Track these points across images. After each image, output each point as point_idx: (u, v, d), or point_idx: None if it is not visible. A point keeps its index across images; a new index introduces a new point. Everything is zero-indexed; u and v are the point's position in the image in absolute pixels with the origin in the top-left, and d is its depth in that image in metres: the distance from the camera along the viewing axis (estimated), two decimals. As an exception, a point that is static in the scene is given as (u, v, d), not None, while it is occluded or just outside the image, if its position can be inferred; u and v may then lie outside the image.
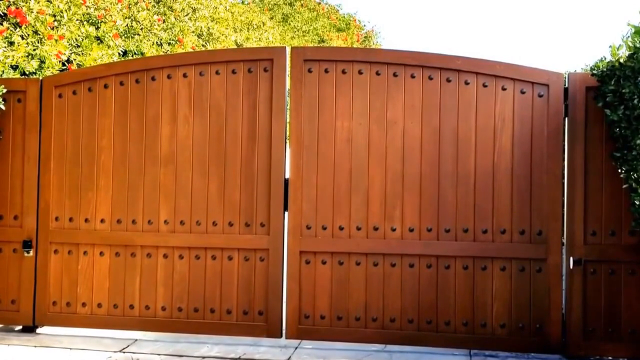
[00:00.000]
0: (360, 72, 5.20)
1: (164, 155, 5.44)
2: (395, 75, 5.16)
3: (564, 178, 4.99)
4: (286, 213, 5.25)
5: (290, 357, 5.01)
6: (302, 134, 5.23)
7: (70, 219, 5.54)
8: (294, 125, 5.26)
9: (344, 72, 5.22)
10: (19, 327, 5.64)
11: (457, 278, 5.07)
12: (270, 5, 22.39)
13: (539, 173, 4.95)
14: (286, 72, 5.32)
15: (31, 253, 5.49)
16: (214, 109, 5.39)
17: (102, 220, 5.50)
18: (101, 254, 5.49)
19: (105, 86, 5.54)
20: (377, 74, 5.18)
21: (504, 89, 5.05)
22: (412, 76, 5.14)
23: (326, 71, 5.24)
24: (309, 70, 5.26)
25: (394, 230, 5.13)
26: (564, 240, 4.99)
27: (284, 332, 5.28)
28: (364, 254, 5.16)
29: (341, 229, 5.19)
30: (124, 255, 5.47)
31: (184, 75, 5.44)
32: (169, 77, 5.46)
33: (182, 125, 5.42)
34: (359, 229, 5.17)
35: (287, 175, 5.26)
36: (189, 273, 5.38)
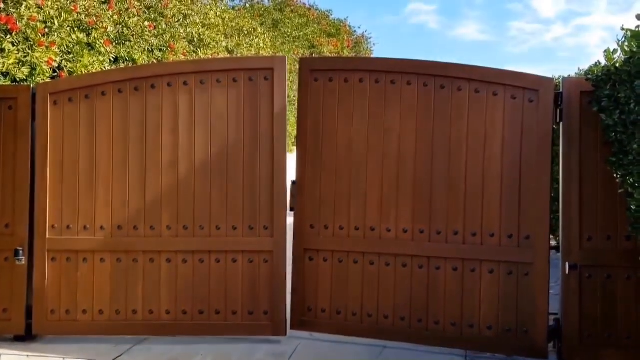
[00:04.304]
0: (360, 81, 5.30)
1: (165, 162, 5.46)
2: (392, 82, 5.23)
3: (553, 184, 5.00)
4: (292, 213, 5.41)
5: (286, 365, 5.01)
6: (307, 140, 5.38)
7: (68, 227, 5.50)
8: (300, 132, 5.41)
9: (346, 80, 5.32)
10: (23, 335, 5.51)
11: (446, 279, 5.13)
12: (260, 11, 22.37)
13: (527, 178, 4.95)
14: (286, 81, 5.43)
15: (23, 261, 5.42)
16: (216, 116, 5.46)
17: (102, 227, 5.49)
18: (102, 260, 5.48)
19: (103, 93, 5.52)
20: (376, 81, 5.26)
21: (495, 94, 5.05)
22: (409, 83, 5.20)
23: (330, 80, 5.36)
24: (315, 80, 5.39)
25: (389, 231, 5.23)
26: (560, 245, 5.00)
27: (288, 327, 5.43)
28: (361, 253, 5.29)
29: (341, 228, 5.32)
30: (126, 261, 5.47)
31: (185, 83, 5.47)
32: (169, 85, 5.48)
33: (183, 132, 5.47)
34: (357, 229, 5.29)
35: (294, 178, 5.42)
36: (193, 276, 5.44)
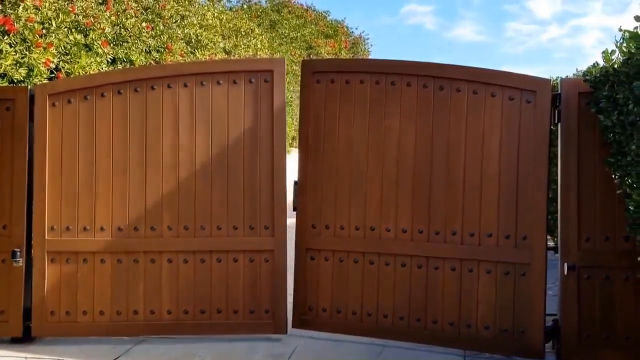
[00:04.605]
0: (361, 82, 5.33)
1: (166, 163, 5.49)
2: (393, 84, 5.26)
3: (551, 184, 4.99)
4: (294, 213, 5.48)
5: (285, 366, 5.02)
6: (309, 140, 5.43)
7: (68, 228, 5.49)
8: (302, 133, 5.47)
9: (347, 82, 5.37)
10: (20, 337, 5.47)
11: (445, 279, 5.15)
12: (257, 12, 22.35)
13: (524, 179, 4.96)
14: (285, 83, 5.49)
15: (20, 263, 5.40)
16: (216, 117, 5.50)
17: (102, 228, 5.49)
18: (102, 261, 5.48)
19: (103, 95, 5.52)
20: (377, 83, 5.30)
21: (493, 95, 5.06)
22: (408, 85, 5.23)
23: (332, 81, 5.40)
24: (318, 81, 5.44)
25: (388, 230, 5.27)
26: (558, 246, 5.00)
27: (289, 325, 5.49)
28: (362, 253, 5.33)
29: (342, 228, 5.36)
30: (127, 261, 5.49)
31: (185, 85, 5.51)
32: (169, 86, 5.51)
33: (184, 133, 5.50)
34: (357, 229, 5.33)
35: (296, 178, 5.48)
36: (195, 276, 5.48)
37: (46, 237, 5.48)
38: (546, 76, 5.05)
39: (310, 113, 5.44)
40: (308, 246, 5.46)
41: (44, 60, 7.11)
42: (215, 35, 13.30)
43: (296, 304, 5.50)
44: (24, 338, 5.45)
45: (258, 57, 15.05)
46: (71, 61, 7.79)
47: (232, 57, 13.75)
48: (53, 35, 7.56)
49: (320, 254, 5.44)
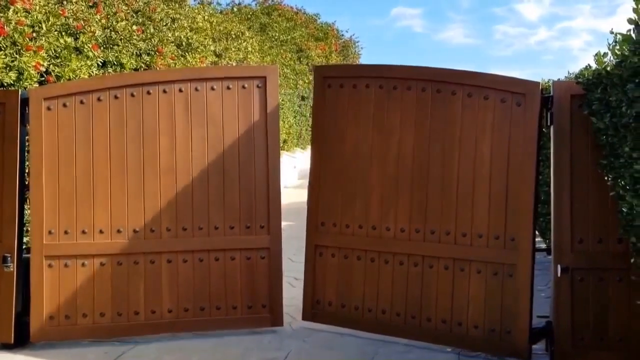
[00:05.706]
0: (367, 87, 5.48)
1: (163, 166, 5.58)
2: (395, 88, 5.38)
3: (541, 186, 5.00)
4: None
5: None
6: (321, 142, 5.70)
7: (66, 232, 5.48)
8: (314, 135, 5.75)
9: (354, 86, 5.52)
10: (11, 343, 5.40)
11: (438, 277, 5.24)
12: (247, 15, 22.35)
13: (514, 181, 4.99)
14: (278, 88, 5.66)
15: (11, 268, 5.34)
16: (211, 121, 5.64)
17: (100, 231, 5.51)
18: (102, 264, 5.51)
19: (99, 99, 5.55)
20: (380, 87, 5.44)
21: (486, 98, 5.10)
22: (409, 88, 5.34)
23: (341, 86, 5.59)
24: (329, 86, 5.62)
25: (388, 229, 5.38)
26: (551, 247, 5.01)
27: (291, 320, 5.82)
28: (364, 250, 5.51)
29: (347, 226, 5.58)
30: (127, 263, 5.54)
31: (180, 90, 5.60)
32: (164, 91, 5.58)
33: (180, 137, 5.62)
34: (360, 227, 5.50)
35: (309, 179, 5.70)
36: (194, 275, 5.59)
37: (44, 242, 5.45)
38: (537, 79, 5.07)
39: (322, 116, 5.63)
40: (317, 243, 5.68)
41: (34, 63, 7.04)
42: (205, 38, 13.25)
43: (305, 298, 5.76)
44: (15, 344, 5.38)
45: (248, 59, 15.05)
46: (61, 64, 7.73)
47: (223, 60, 13.73)
48: (43, 38, 7.50)
49: (328, 250, 5.65)
